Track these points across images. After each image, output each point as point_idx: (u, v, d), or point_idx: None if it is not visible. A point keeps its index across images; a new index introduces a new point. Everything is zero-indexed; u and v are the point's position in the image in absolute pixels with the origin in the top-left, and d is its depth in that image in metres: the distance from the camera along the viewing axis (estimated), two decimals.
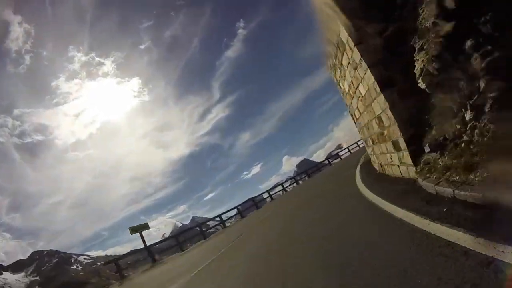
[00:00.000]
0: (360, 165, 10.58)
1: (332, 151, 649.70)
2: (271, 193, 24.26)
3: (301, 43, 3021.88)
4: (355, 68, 5.47)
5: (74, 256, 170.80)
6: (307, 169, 29.92)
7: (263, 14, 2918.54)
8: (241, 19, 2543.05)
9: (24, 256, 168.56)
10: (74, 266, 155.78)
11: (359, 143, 28.21)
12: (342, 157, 30.01)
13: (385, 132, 5.36)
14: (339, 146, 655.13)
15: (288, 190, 25.10)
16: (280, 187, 26.11)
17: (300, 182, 27.36)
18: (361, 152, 17.47)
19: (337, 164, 24.78)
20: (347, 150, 30.53)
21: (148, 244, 14.66)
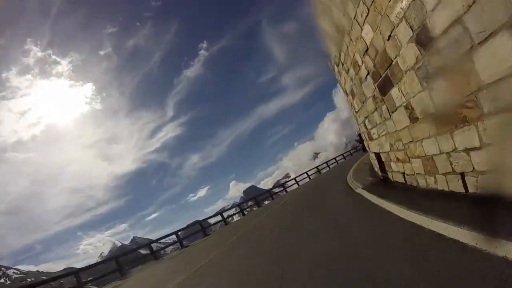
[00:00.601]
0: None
1: (279, 180, 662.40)
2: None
3: (259, 73, 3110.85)
4: None
5: (2, 268, 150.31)
6: (256, 195, 24.92)
7: (227, 40, 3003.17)
8: (205, 41, 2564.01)
9: None
10: (2, 280, 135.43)
11: (309, 173, 27.20)
12: (289, 189, 26.63)
13: None
14: (287, 175, 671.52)
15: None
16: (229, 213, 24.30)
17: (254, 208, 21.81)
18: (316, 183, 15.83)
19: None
20: (294, 181, 26.96)
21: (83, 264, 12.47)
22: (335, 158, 29.61)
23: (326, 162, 28.71)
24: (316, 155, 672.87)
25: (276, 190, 28.46)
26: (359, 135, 19.55)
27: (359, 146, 29.01)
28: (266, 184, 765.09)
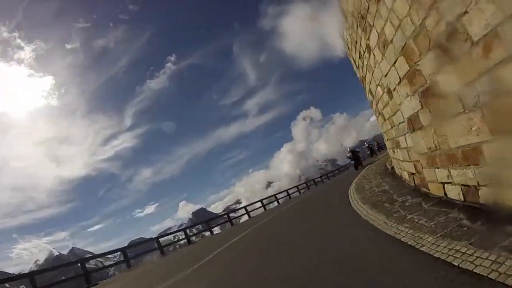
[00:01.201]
0: None
1: (230, 205, 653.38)
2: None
3: (223, 96, 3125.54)
4: None
5: None
6: (207, 220, 21.54)
7: (196, 57, 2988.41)
8: (174, 54, 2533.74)
9: None
10: None
11: (264, 201, 22.90)
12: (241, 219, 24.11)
13: None
14: (238, 201, 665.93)
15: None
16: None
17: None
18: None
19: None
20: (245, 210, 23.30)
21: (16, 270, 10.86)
22: (287, 191, 26.54)
23: (275, 195, 24.82)
24: (269, 184, 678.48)
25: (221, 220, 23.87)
26: (352, 151, 20.40)
27: (349, 163, 29.10)
28: (216, 208, 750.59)
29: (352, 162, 20.63)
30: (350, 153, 20.33)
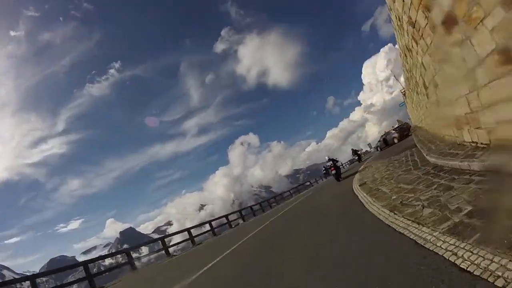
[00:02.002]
0: None
1: (161, 226, 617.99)
2: None
3: (164, 112, 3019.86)
4: None
5: None
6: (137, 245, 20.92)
7: (142, 69, 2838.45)
8: (119, 61, 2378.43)
9: None
10: None
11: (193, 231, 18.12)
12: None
13: None
14: (169, 223, 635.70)
15: None
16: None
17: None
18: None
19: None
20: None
21: None
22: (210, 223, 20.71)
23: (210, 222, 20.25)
24: (202, 207, 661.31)
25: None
26: (331, 160, 17.05)
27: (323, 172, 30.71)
28: (146, 228, 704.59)
29: (326, 173, 18.12)
30: (330, 162, 17.03)
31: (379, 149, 27.41)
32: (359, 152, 32.39)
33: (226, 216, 22.79)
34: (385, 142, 26.11)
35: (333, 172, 16.69)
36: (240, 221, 23.79)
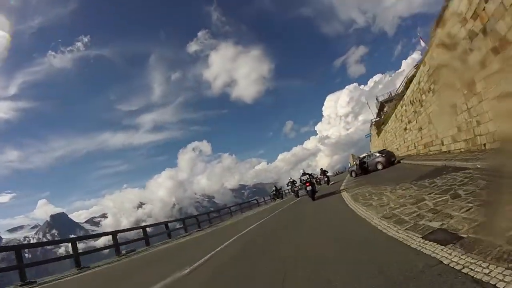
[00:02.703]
0: None
1: (95, 217, 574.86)
2: None
3: (122, 100, 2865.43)
4: None
5: None
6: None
7: (111, 50, 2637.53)
8: (89, 36, 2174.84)
9: None
10: None
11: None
12: None
13: None
14: (104, 215, 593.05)
15: None
16: None
17: None
18: None
19: None
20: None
21: None
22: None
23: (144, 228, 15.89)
24: (141, 205, 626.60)
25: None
26: (306, 174, 15.43)
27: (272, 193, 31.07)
28: (79, 216, 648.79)
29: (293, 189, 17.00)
30: (306, 175, 15.21)
31: (353, 174, 24.00)
32: (327, 174, 31.26)
33: (166, 223, 18.24)
34: (362, 167, 21.86)
35: (309, 188, 14.41)
36: (182, 231, 19.28)
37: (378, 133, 43.88)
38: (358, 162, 23.20)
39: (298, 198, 21.11)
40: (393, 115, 25.99)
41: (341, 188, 15.31)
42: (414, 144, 19.79)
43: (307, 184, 14.53)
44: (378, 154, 21.20)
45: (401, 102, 21.95)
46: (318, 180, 28.45)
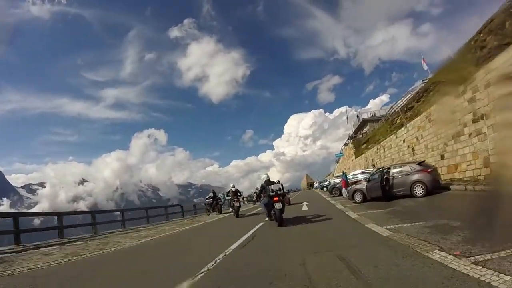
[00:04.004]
0: None
1: (33, 184, 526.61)
2: None
3: (89, 68, 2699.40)
4: None
5: None
6: None
7: (91, 12, 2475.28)
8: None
9: None
10: None
11: None
12: None
13: None
14: (42, 183, 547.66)
15: None
16: None
17: None
18: None
19: None
20: None
21: None
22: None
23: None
24: (83, 182, 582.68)
25: None
26: (272, 182, 9.81)
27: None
28: (16, 179, 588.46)
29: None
30: (274, 185, 9.69)
31: (358, 197, 13.47)
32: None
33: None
34: (382, 187, 11.63)
35: (278, 206, 9.25)
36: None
37: (357, 153, 37.96)
38: (375, 177, 12.56)
39: (239, 218, 14.59)
40: (403, 127, 19.48)
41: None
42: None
43: (275, 199, 9.39)
44: (416, 167, 11.57)
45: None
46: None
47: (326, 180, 44.86)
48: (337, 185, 20.55)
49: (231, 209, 17.29)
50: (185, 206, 22.40)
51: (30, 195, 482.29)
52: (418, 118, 16.55)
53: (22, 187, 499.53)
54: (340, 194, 18.22)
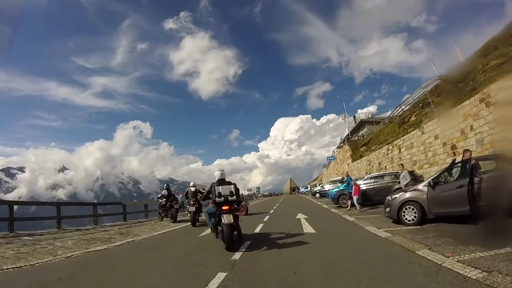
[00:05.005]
0: None
1: (12, 168, 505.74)
2: None
3: (79, 54, 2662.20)
4: None
5: None
6: None
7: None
8: None
9: None
10: None
11: None
12: None
13: None
14: (22, 168, 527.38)
15: None
16: None
17: None
18: None
19: None
20: None
21: None
22: None
23: None
24: (63, 169, 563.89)
25: None
26: (224, 181, 6.42)
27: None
28: None
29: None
30: (224, 186, 6.33)
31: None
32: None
33: None
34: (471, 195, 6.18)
35: (225, 218, 6.01)
36: None
37: (354, 156, 33.06)
38: (453, 178, 7.25)
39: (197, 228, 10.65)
40: (434, 120, 14.55)
41: None
42: None
43: (225, 207, 6.16)
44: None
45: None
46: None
47: (317, 185, 39.93)
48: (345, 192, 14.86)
49: (188, 214, 12.33)
50: (136, 206, 16.86)
51: (9, 179, 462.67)
52: (467, 102, 11.49)
53: (1, 170, 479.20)
54: (353, 205, 12.79)
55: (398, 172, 12.24)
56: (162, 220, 13.84)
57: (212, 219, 6.81)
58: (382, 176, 13.81)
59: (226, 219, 6.03)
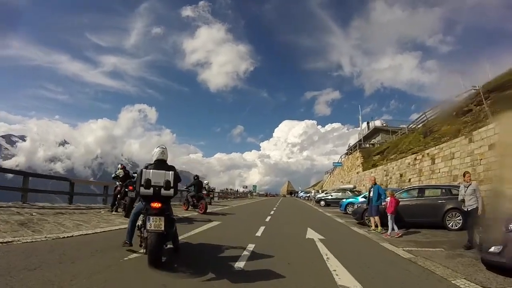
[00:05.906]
0: None
1: (13, 135, 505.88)
2: None
3: (93, 30, 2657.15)
4: None
5: None
6: None
7: None
8: None
9: None
10: None
11: None
12: None
13: None
14: (23, 137, 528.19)
15: None
16: None
17: None
18: None
19: None
20: None
21: None
22: None
23: None
24: (64, 143, 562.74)
25: None
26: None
27: None
28: None
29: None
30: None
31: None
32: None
33: None
34: None
35: (151, 222, 3.83)
36: None
37: (365, 164, 29.42)
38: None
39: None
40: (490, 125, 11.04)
41: None
42: None
43: (155, 204, 3.94)
44: None
45: None
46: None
47: (319, 192, 35.75)
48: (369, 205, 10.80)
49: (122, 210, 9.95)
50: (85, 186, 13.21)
51: (9, 146, 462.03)
52: None
53: (3, 136, 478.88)
54: (384, 225, 8.84)
55: (450, 185, 8.58)
56: (112, 211, 10.24)
57: (133, 221, 4.52)
58: (423, 189, 10.14)
59: (153, 224, 3.83)
